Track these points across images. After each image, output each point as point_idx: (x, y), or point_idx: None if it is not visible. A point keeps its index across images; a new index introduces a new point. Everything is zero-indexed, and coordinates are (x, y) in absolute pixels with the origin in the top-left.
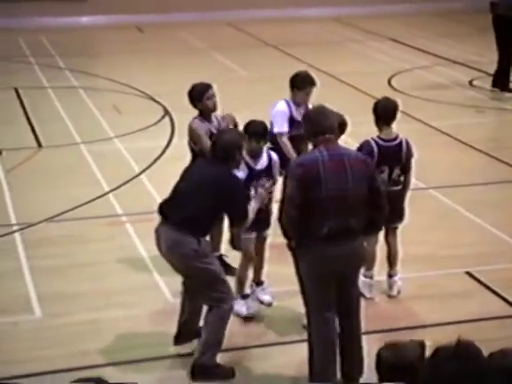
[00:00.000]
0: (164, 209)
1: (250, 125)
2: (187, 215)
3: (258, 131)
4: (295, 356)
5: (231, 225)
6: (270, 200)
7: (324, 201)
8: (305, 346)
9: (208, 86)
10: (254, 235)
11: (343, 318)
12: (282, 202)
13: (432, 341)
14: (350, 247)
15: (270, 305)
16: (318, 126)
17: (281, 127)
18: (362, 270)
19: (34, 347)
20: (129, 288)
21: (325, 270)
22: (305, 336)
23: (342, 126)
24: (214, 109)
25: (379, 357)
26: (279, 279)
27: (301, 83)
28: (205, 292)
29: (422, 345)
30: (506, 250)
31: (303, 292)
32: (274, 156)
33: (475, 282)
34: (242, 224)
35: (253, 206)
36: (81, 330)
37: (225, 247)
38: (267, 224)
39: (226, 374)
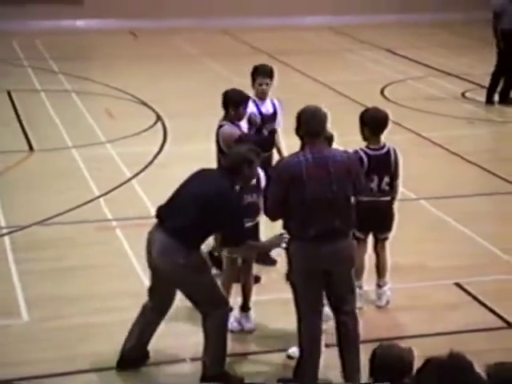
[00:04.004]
0: (161, 212)
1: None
2: (181, 225)
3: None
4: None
5: (223, 243)
6: (257, 213)
7: (308, 204)
8: None
9: (248, 98)
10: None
11: (339, 316)
12: (265, 198)
13: (421, 352)
14: (336, 247)
15: (251, 332)
16: (306, 127)
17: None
18: None
19: (21, 351)
20: (118, 293)
21: (313, 268)
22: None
23: (329, 140)
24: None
25: (374, 353)
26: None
27: (253, 75)
28: (194, 299)
29: (411, 351)
30: (495, 261)
31: (294, 290)
32: (261, 173)
33: (464, 293)
34: (234, 246)
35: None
36: (69, 335)
37: None
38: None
39: (236, 383)
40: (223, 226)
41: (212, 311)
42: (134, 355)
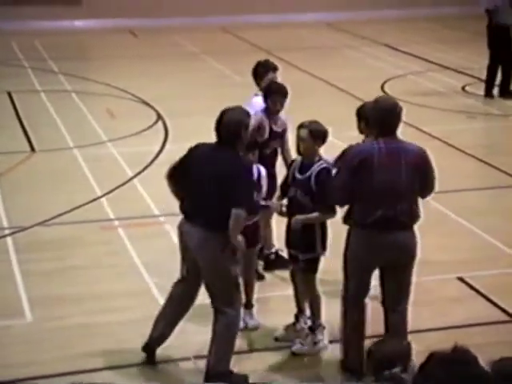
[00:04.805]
0: (185, 208)
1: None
2: (211, 216)
3: None
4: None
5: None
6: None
7: (375, 191)
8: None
9: (286, 92)
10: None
11: (389, 311)
12: (333, 184)
13: (424, 346)
14: (396, 237)
15: (255, 329)
16: (382, 123)
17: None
18: None
19: (25, 351)
20: (121, 292)
21: (369, 256)
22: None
23: (323, 137)
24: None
25: (370, 350)
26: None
27: (262, 73)
28: (219, 293)
29: (407, 344)
30: (497, 255)
31: (345, 273)
32: (263, 170)
33: (467, 287)
34: (246, 210)
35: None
36: (72, 334)
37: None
38: (256, 240)
39: (240, 381)
40: (237, 192)
41: (225, 309)
42: (160, 344)
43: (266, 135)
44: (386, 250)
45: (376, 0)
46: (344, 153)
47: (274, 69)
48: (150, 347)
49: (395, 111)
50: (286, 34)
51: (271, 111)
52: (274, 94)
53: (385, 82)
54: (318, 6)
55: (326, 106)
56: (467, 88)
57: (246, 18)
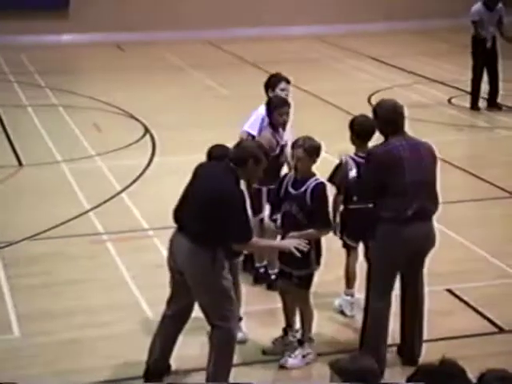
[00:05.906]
0: (178, 217)
1: (214, 148)
2: (199, 229)
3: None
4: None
5: (230, 240)
6: None
7: (407, 186)
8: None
9: (286, 104)
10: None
11: (408, 296)
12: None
13: None
14: (427, 228)
15: (243, 342)
16: (394, 123)
17: (250, 127)
18: (343, 288)
19: (12, 367)
20: (110, 307)
21: (400, 252)
22: None
23: (317, 150)
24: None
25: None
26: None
27: (275, 82)
28: (210, 308)
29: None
30: (486, 267)
31: (368, 274)
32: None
33: (456, 299)
34: (241, 243)
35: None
36: (61, 349)
37: None
38: (239, 251)
39: None
40: (228, 224)
41: (220, 323)
42: (159, 367)
43: (278, 151)
44: (419, 241)
45: (365, 13)
46: (371, 155)
47: (287, 81)
48: (150, 373)
49: (398, 109)
50: (272, 46)
51: (277, 124)
52: (280, 107)
53: (372, 95)
54: (305, 19)
55: (313, 120)
56: (453, 100)
57: (233, 31)
